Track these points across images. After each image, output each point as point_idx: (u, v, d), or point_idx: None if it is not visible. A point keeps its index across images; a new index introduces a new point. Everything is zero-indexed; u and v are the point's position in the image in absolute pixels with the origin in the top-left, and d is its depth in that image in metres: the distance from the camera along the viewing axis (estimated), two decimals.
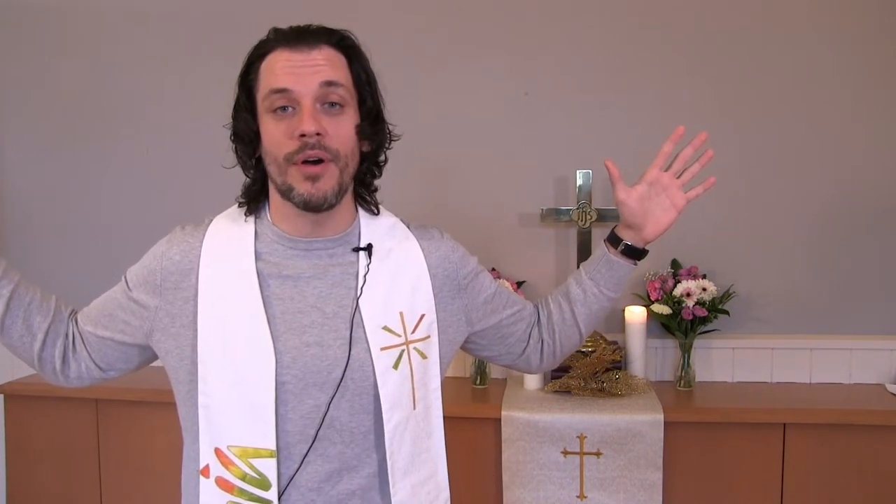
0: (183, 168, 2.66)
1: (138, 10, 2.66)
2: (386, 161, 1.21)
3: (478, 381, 2.42)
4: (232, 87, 1.15)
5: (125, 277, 1.21)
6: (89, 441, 2.41)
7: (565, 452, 2.11)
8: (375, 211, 1.22)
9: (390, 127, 1.19)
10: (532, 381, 2.34)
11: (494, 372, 2.48)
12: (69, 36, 2.71)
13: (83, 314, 1.24)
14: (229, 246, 1.15)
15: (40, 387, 2.44)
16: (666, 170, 1.28)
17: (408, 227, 1.24)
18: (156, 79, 2.67)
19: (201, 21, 2.63)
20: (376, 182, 1.22)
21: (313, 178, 1.08)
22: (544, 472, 2.11)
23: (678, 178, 1.28)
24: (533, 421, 2.11)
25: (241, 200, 1.19)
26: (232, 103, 1.16)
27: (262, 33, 1.14)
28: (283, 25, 1.13)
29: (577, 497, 2.11)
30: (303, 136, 1.05)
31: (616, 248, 1.30)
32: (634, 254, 1.30)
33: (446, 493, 1.22)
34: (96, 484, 2.42)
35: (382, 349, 1.13)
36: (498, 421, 2.14)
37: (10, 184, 2.79)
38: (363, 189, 1.20)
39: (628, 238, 1.30)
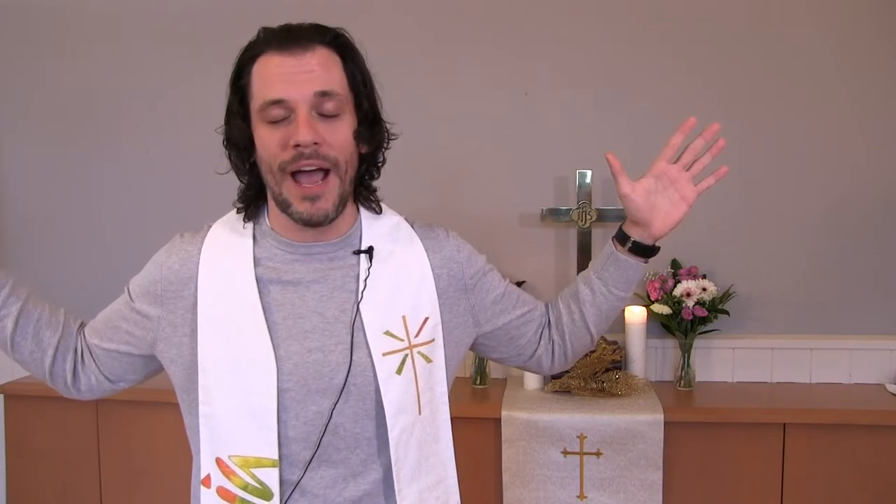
0: (183, 168, 2.66)
1: (138, 10, 2.66)
2: (384, 162, 1.18)
3: (478, 381, 2.42)
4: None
5: (128, 289, 1.19)
6: (89, 441, 2.41)
7: (565, 452, 2.11)
8: (378, 210, 1.19)
9: (388, 125, 1.15)
10: (532, 381, 2.34)
11: (494, 372, 2.48)
12: (69, 37, 2.71)
13: (90, 327, 1.22)
14: (228, 253, 1.13)
15: (40, 387, 2.41)
16: (674, 162, 1.22)
17: (412, 227, 1.21)
18: (156, 79, 2.66)
19: (201, 21, 2.63)
20: (375, 183, 1.19)
21: (312, 199, 1.05)
22: (544, 472, 2.11)
23: (687, 170, 1.22)
24: (533, 421, 2.11)
25: (239, 206, 1.17)
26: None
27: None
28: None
29: (577, 497, 2.11)
30: (298, 145, 1.02)
31: (624, 246, 1.23)
32: (643, 251, 1.23)
33: (456, 499, 1.19)
34: (96, 484, 2.42)
35: (384, 354, 1.10)
36: (498, 421, 2.14)
37: (9, 185, 2.78)
38: (363, 190, 1.17)
39: (636, 235, 1.22)
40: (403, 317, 1.13)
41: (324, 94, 1.04)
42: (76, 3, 2.69)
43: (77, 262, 2.75)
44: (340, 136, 1.06)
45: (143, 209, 2.70)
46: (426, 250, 1.19)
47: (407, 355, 1.12)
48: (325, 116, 1.05)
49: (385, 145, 1.17)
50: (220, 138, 1.15)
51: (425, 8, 2.54)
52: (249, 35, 1.13)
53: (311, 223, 1.07)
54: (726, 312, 2.38)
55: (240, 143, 1.10)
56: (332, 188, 1.06)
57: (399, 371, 1.11)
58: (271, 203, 1.13)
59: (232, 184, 1.22)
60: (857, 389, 2.36)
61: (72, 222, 2.76)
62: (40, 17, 2.72)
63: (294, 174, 1.05)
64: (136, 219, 2.70)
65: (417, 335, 1.14)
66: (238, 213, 1.17)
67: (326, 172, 1.06)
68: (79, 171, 2.73)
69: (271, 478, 1.07)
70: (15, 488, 2.48)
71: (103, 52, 2.69)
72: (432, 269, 1.18)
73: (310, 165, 1.04)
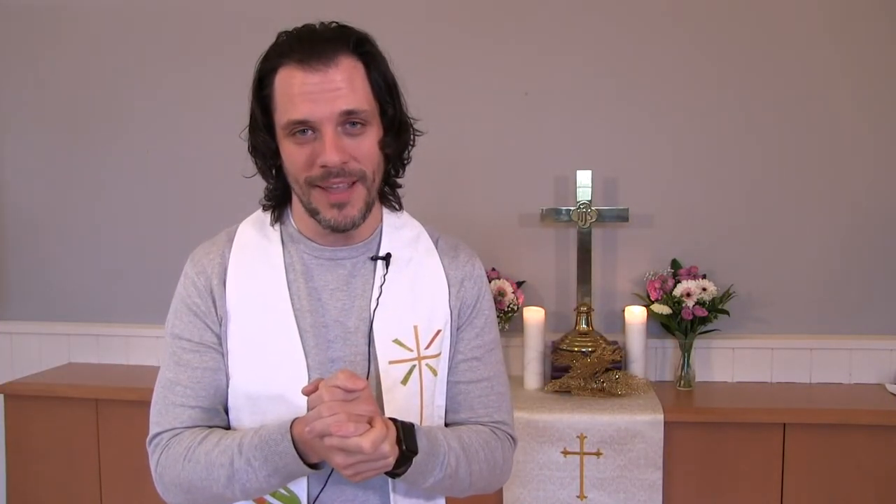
0: (184, 169, 2.66)
1: (138, 11, 2.66)
2: (409, 160, 1.18)
3: None
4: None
5: (179, 341, 1.11)
6: (89, 441, 2.41)
7: (565, 452, 2.11)
8: (398, 207, 1.20)
9: (412, 121, 1.15)
10: (532, 381, 2.34)
11: None
12: (68, 37, 2.70)
13: (199, 417, 1.10)
14: (258, 260, 1.13)
15: (40, 387, 2.45)
16: None
17: (437, 241, 1.21)
18: (156, 80, 2.66)
19: (201, 21, 2.63)
20: (400, 180, 1.19)
21: (339, 206, 1.06)
22: (544, 472, 2.11)
23: None
24: (533, 421, 2.11)
25: (266, 203, 1.16)
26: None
27: (263, 33, 1.10)
28: (284, 27, 1.08)
29: (577, 497, 2.11)
30: (325, 166, 1.03)
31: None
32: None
33: None
34: (96, 484, 2.42)
35: (391, 363, 1.10)
36: None
37: (10, 185, 2.78)
38: (387, 187, 1.18)
39: None
40: (415, 327, 1.13)
41: (349, 113, 1.03)
42: (77, 3, 2.68)
43: (77, 263, 2.74)
44: (367, 149, 1.06)
45: (144, 210, 2.70)
46: (443, 266, 1.18)
47: (414, 366, 1.12)
48: (351, 127, 1.04)
49: (411, 144, 1.17)
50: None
51: (424, 8, 2.54)
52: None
53: (339, 229, 1.07)
54: (726, 312, 2.38)
55: (265, 153, 1.10)
56: (359, 196, 1.07)
57: (404, 381, 1.11)
58: (297, 206, 1.13)
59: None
60: (857, 389, 2.36)
61: (72, 223, 2.75)
62: (41, 17, 2.72)
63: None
64: (137, 220, 2.70)
65: (428, 347, 1.13)
66: (265, 210, 1.17)
67: (353, 182, 1.06)
68: (79, 172, 2.73)
69: (300, 486, 1.08)
70: (15, 488, 2.48)
71: (104, 53, 2.68)
72: (448, 285, 1.17)
73: (338, 183, 1.04)
